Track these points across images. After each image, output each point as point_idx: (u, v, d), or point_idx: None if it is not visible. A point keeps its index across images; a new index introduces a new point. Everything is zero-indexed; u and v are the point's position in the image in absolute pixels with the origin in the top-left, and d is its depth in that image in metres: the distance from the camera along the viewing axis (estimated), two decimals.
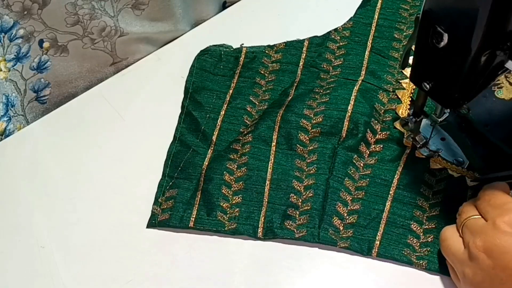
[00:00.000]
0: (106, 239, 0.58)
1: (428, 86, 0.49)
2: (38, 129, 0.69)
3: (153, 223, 0.59)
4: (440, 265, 0.53)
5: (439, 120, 0.55)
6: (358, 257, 0.55)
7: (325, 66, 0.68)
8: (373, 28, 0.70)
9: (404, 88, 0.64)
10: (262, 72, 0.69)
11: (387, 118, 0.62)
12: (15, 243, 0.59)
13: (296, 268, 0.55)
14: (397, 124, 0.61)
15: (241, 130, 0.65)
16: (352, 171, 0.59)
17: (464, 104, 0.49)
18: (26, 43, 0.65)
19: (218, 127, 0.65)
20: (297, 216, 0.58)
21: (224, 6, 0.80)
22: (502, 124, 0.60)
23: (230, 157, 0.62)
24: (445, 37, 0.44)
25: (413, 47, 0.50)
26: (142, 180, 0.62)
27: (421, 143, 0.58)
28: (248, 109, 0.66)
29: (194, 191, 0.61)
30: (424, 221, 0.56)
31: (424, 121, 0.59)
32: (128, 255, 0.57)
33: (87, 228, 0.59)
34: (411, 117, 0.57)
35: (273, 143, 0.62)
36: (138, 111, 0.68)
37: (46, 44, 0.66)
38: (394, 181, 0.58)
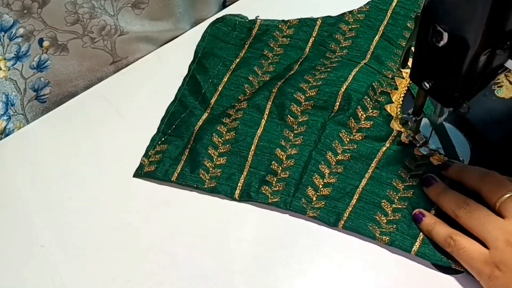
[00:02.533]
0: (106, 239, 0.58)
1: (428, 85, 0.49)
2: (38, 128, 0.69)
3: (139, 173, 0.62)
4: (402, 243, 0.54)
5: (439, 119, 0.55)
6: (358, 257, 0.55)
7: (333, 46, 0.69)
8: (389, 14, 0.70)
9: (403, 77, 0.64)
10: (272, 45, 0.71)
11: (381, 99, 0.63)
12: (15, 242, 0.59)
13: (296, 268, 0.55)
14: (395, 124, 0.61)
15: (239, 97, 0.67)
16: (336, 145, 0.60)
17: (464, 103, 0.49)
18: (26, 42, 0.65)
19: (218, 92, 0.68)
20: (274, 182, 0.59)
21: (224, 5, 0.80)
22: (502, 123, 0.60)
23: (223, 120, 0.64)
24: (445, 36, 0.44)
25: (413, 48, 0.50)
26: (142, 179, 0.62)
27: (421, 142, 0.58)
28: (250, 78, 0.68)
29: (183, 149, 0.63)
30: (396, 201, 0.57)
31: (424, 120, 0.59)
32: (128, 255, 0.57)
33: (87, 228, 0.59)
34: (411, 116, 0.57)
35: (266, 112, 0.64)
36: (138, 110, 0.68)
37: (46, 43, 0.66)
38: (375, 160, 0.59)
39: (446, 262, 0.52)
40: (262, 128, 0.63)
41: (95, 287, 0.56)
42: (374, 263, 0.54)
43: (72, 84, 0.71)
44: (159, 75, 0.72)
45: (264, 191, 0.59)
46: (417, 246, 0.53)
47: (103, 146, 0.66)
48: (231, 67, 0.70)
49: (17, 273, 0.57)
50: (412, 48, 0.49)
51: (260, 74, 0.69)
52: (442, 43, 0.44)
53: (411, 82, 0.63)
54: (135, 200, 0.61)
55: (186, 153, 0.63)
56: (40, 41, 0.66)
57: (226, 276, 0.55)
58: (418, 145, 0.58)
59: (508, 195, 0.49)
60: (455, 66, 0.45)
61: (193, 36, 0.75)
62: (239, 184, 0.60)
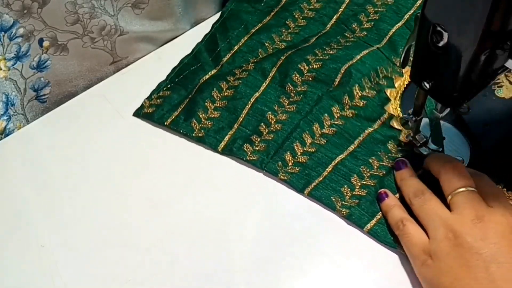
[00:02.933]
0: (106, 239, 0.58)
1: (428, 85, 0.49)
2: (38, 128, 0.69)
3: (138, 113, 0.67)
4: (359, 219, 0.55)
5: (441, 115, 0.55)
6: (358, 256, 0.55)
7: (354, 26, 0.70)
8: (418, 3, 0.71)
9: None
10: (296, 16, 0.72)
11: (383, 83, 0.64)
12: (15, 242, 0.59)
13: (296, 267, 0.55)
14: (395, 123, 0.61)
15: (250, 60, 0.69)
16: (325, 118, 0.62)
17: (464, 103, 0.49)
18: (26, 42, 0.65)
19: (232, 52, 0.70)
20: (257, 142, 0.62)
21: (224, 5, 0.80)
22: (502, 123, 0.60)
23: (227, 78, 0.67)
24: (445, 36, 0.44)
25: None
26: (142, 179, 0.62)
27: (421, 142, 0.58)
28: (266, 44, 0.70)
29: (184, 98, 0.66)
30: (366, 177, 0.58)
31: (424, 120, 0.59)
32: (128, 255, 0.57)
33: (87, 228, 0.59)
34: (411, 116, 0.57)
35: (269, 77, 0.66)
36: None
37: (46, 43, 0.66)
38: (358, 139, 0.60)
39: (394, 245, 0.54)
40: (261, 92, 0.65)
41: (95, 287, 0.56)
42: (374, 263, 0.54)
43: (72, 84, 0.71)
44: (159, 75, 0.71)
45: (245, 149, 0.61)
46: (372, 224, 0.55)
47: (103, 146, 0.66)
48: (251, 31, 0.72)
49: (17, 273, 0.57)
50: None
51: (277, 42, 0.70)
52: (442, 43, 0.44)
53: None
54: (135, 200, 0.61)
55: (185, 103, 0.66)
56: (40, 41, 0.66)
57: (226, 276, 0.55)
58: (418, 145, 0.58)
59: (461, 190, 0.49)
60: (455, 66, 0.45)
61: (193, 36, 0.75)
62: (225, 139, 0.62)
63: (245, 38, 0.71)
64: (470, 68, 0.45)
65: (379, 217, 0.55)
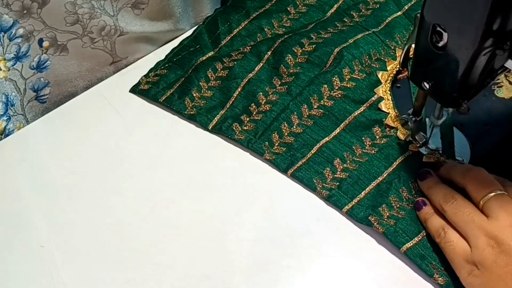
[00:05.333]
0: (106, 239, 0.58)
1: (428, 85, 0.49)
2: (37, 129, 0.68)
3: (134, 89, 0.69)
4: (338, 200, 0.57)
5: (439, 122, 0.55)
6: (358, 256, 0.55)
7: (353, 13, 0.70)
8: None
9: None
10: (298, 2, 0.73)
11: (375, 65, 0.64)
12: (15, 242, 0.59)
13: (296, 267, 0.55)
14: (383, 106, 0.62)
15: (248, 44, 0.70)
16: (314, 99, 0.62)
17: (464, 103, 0.49)
18: (26, 42, 0.65)
19: (231, 36, 0.71)
20: (246, 122, 0.63)
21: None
22: (502, 123, 0.60)
23: (223, 59, 0.68)
24: (445, 36, 0.44)
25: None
26: (142, 179, 0.62)
27: (420, 142, 0.58)
28: (266, 29, 0.71)
29: (179, 77, 0.68)
30: (348, 161, 0.59)
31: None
32: (128, 255, 0.57)
33: (87, 228, 0.59)
34: (410, 116, 0.57)
35: (264, 60, 0.67)
36: (138, 110, 0.68)
37: (45, 43, 0.66)
38: (344, 122, 0.61)
39: (369, 223, 0.55)
40: (254, 73, 0.66)
41: (95, 287, 0.56)
42: (374, 263, 0.54)
43: (72, 84, 0.71)
44: None
45: (234, 128, 0.63)
46: (350, 206, 0.56)
47: (103, 146, 0.66)
48: (252, 15, 0.72)
49: (17, 273, 0.57)
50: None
51: (276, 27, 0.71)
52: (442, 43, 0.44)
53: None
54: (135, 200, 0.61)
55: (181, 81, 0.67)
56: (40, 41, 0.66)
57: (226, 276, 0.55)
58: (418, 145, 0.58)
59: (492, 194, 0.49)
60: (455, 66, 0.45)
61: None
62: (215, 118, 0.64)
63: (245, 22, 0.72)
64: (470, 68, 0.45)
65: (358, 199, 0.56)
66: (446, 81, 0.48)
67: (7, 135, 0.67)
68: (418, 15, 0.46)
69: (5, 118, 0.67)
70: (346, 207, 0.56)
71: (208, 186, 0.61)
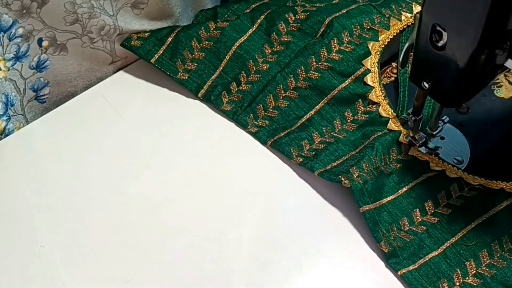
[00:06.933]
0: (106, 239, 0.58)
1: (427, 85, 0.49)
2: (37, 128, 0.68)
3: (125, 45, 0.69)
4: (310, 166, 0.58)
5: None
6: (358, 257, 0.55)
7: None
8: None
9: (400, 20, 0.65)
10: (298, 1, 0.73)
11: (367, 35, 0.64)
12: (15, 242, 0.59)
13: (296, 267, 0.55)
14: (369, 79, 0.61)
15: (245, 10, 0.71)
16: (301, 71, 0.62)
17: (463, 103, 0.49)
18: (25, 42, 0.65)
19: (231, 13, 0.71)
20: (234, 92, 0.64)
21: None
22: (502, 123, 0.60)
23: (217, 20, 0.68)
24: (445, 36, 0.44)
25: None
26: (142, 179, 0.62)
27: (420, 142, 0.58)
28: (266, 14, 0.69)
29: (170, 32, 0.68)
30: (327, 135, 0.60)
31: None
32: (128, 255, 0.57)
33: (87, 228, 0.59)
34: (410, 116, 0.57)
35: (256, 24, 0.67)
36: (138, 110, 0.68)
37: (45, 43, 0.66)
38: (328, 96, 0.61)
39: (339, 180, 0.55)
40: (246, 37, 0.66)
41: (95, 287, 0.56)
42: (374, 263, 0.54)
43: (71, 84, 0.71)
44: (158, 75, 0.71)
45: (222, 97, 0.64)
46: (320, 171, 0.58)
47: (102, 146, 0.66)
48: (251, 6, 0.72)
49: (17, 273, 0.57)
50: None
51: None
52: (441, 43, 0.44)
53: (406, 27, 0.64)
54: (135, 200, 0.61)
55: (172, 36, 0.67)
56: (40, 41, 0.66)
57: (226, 276, 0.55)
58: (417, 144, 0.58)
59: None
60: (455, 66, 0.45)
61: None
62: (206, 85, 0.65)
63: (246, 11, 0.71)
64: (469, 68, 0.45)
65: (330, 166, 0.57)
66: (445, 81, 0.48)
67: (7, 135, 0.67)
68: (418, 15, 0.46)
69: (5, 118, 0.67)
70: (318, 170, 0.57)
71: (208, 186, 0.61)
